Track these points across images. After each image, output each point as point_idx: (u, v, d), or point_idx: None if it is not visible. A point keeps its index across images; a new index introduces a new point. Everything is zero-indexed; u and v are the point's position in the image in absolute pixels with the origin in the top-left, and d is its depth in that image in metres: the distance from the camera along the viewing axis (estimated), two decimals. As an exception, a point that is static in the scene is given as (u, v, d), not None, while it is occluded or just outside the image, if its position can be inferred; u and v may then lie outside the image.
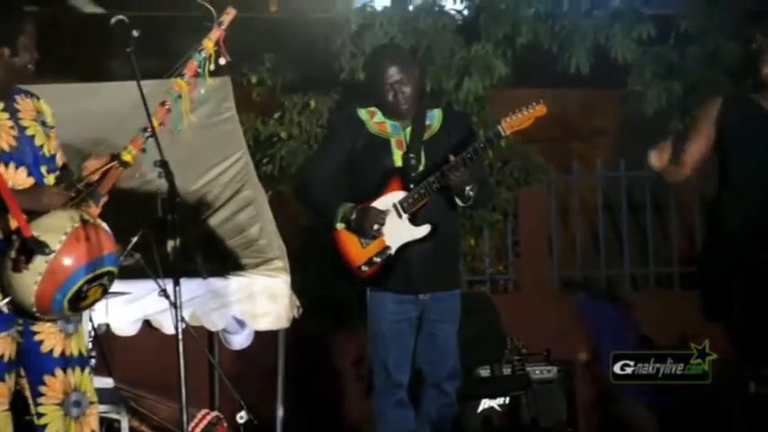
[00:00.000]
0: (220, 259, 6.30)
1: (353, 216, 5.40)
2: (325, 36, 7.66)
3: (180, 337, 4.54)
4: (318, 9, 7.98)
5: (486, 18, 7.63)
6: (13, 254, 4.30)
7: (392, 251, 5.43)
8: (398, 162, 5.47)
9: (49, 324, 4.51)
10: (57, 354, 4.52)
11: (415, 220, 5.42)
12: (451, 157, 5.31)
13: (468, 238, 8.30)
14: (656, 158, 5.23)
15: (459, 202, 5.43)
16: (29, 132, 4.54)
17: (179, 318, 4.54)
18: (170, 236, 4.57)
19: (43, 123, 4.61)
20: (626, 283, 9.02)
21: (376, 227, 5.38)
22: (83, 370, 4.59)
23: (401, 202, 5.41)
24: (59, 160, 4.65)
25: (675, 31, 7.91)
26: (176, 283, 4.55)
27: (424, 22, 7.66)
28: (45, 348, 4.51)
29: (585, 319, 7.95)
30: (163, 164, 4.48)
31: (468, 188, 5.36)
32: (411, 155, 5.45)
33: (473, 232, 8.41)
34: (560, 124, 9.20)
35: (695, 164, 5.14)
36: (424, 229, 5.42)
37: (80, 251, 4.34)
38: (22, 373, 4.52)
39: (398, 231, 5.41)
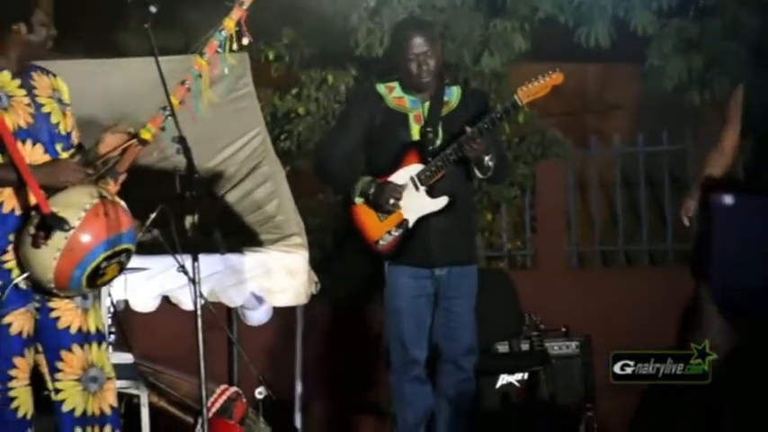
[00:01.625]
0: (238, 235, 6.30)
1: (371, 190, 5.40)
2: (343, 12, 7.63)
3: (198, 312, 4.55)
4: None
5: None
6: (32, 230, 4.31)
7: (410, 224, 5.43)
8: (416, 136, 5.47)
9: (66, 300, 4.52)
10: (74, 330, 4.54)
11: (432, 193, 5.42)
12: (468, 129, 5.31)
13: (485, 214, 8.29)
14: (685, 214, 5.59)
15: (478, 173, 5.42)
16: (45, 110, 4.53)
17: (197, 294, 4.55)
18: (188, 212, 4.57)
19: (59, 101, 4.60)
20: (644, 258, 8.99)
21: (392, 201, 5.38)
22: (99, 345, 4.60)
23: (418, 175, 5.42)
24: (75, 139, 4.65)
25: (695, 4, 7.86)
26: (195, 259, 4.57)
27: (442, -1, 7.63)
28: (62, 325, 4.53)
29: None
30: (181, 140, 4.48)
31: (486, 158, 5.36)
32: (428, 129, 5.45)
33: (490, 208, 8.40)
34: (577, 99, 9.17)
35: (734, 149, 5.45)
36: (442, 201, 5.42)
37: (99, 228, 4.34)
38: (40, 348, 4.54)
39: (416, 204, 5.42)
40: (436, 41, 5.56)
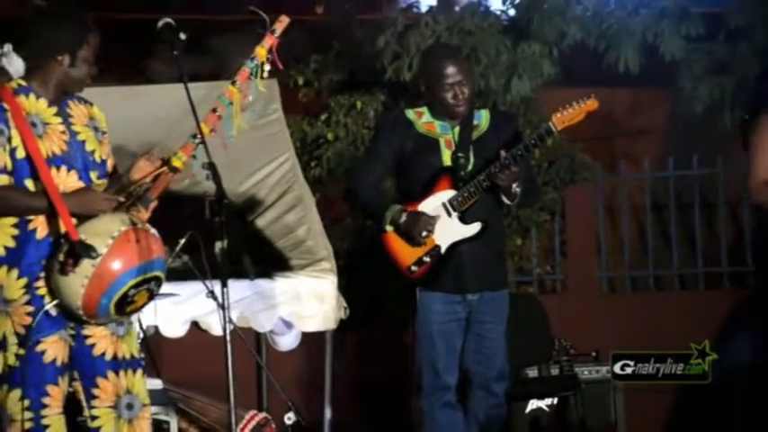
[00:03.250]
0: (268, 261, 6.31)
1: (402, 219, 5.40)
2: (371, 37, 7.66)
3: (228, 338, 4.55)
4: (364, 10, 7.98)
5: (537, 18, 7.59)
6: (61, 257, 4.33)
7: (442, 250, 5.42)
8: (447, 161, 5.46)
9: (100, 327, 4.54)
10: (108, 357, 4.55)
11: (464, 219, 5.41)
12: (502, 153, 5.30)
13: (515, 239, 8.27)
14: None
15: (505, 200, 5.41)
16: (80, 137, 4.57)
17: (227, 319, 4.56)
18: (218, 237, 4.58)
19: (96, 129, 4.65)
20: (675, 283, 8.95)
21: (425, 233, 5.38)
22: (134, 372, 4.61)
23: (450, 201, 5.41)
24: (110, 167, 4.68)
25: (725, 28, 7.84)
26: (224, 285, 4.57)
27: (470, 22, 7.63)
28: (97, 351, 4.54)
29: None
30: (210, 166, 4.50)
31: (515, 185, 5.35)
32: (460, 154, 5.45)
33: (520, 232, 8.38)
34: (607, 123, 9.14)
35: None
36: (475, 227, 5.41)
37: (127, 256, 4.36)
38: (76, 375, 4.55)
39: (448, 230, 5.41)
40: (469, 69, 5.58)
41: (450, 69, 5.44)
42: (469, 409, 5.54)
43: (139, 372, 4.64)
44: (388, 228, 5.43)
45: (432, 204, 5.43)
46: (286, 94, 7.31)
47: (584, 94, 5.45)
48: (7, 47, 4.95)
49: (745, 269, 8.40)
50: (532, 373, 7.09)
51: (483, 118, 5.55)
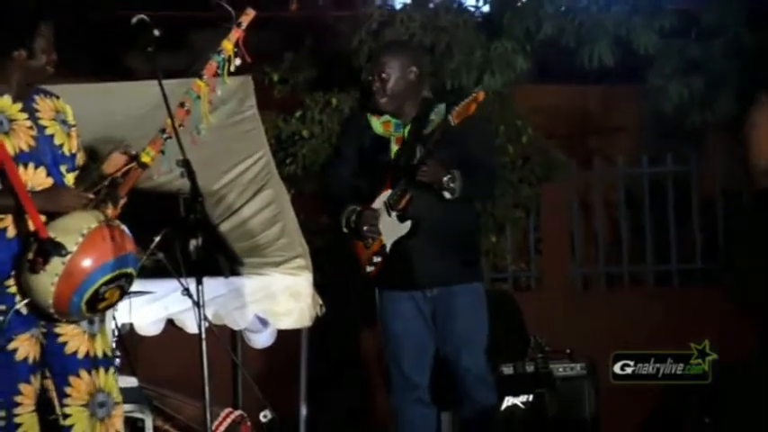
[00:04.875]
0: (243, 258, 6.30)
1: (353, 219, 5.42)
2: (346, 34, 7.65)
3: (203, 336, 4.54)
4: (339, 7, 7.97)
5: (509, 14, 7.60)
6: (30, 255, 4.31)
7: (387, 249, 5.43)
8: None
9: (72, 326, 4.52)
10: (81, 355, 4.54)
11: (402, 217, 5.41)
12: (418, 149, 5.30)
13: (489, 236, 8.27)
14: None
15: (446, 194, 5.38)
16: (48, 132, 4.55)
17: (202, 317, 4.55)
18: (192, 235, 4.56)
19: (63, 122, 4.62)
20: (649, 279, 8.98)
21: (367, 228, 5.38)
22: (107, 370, 4.59)
23: (388, 200, 5.42)
24: (80, 160, 4.66)
25: (697, 25, 7.87)
26: (199, 282, 4.57)
27: (444, 19, 7.63)
28: (69, 350, 4.53)
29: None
30: (185, 163, 4.48)
31: (445, 179, 5.31)
32: (401, 151, 5.44)
33: (495, 229, 8.39)
34: (581, 120, 9.17)
35: None
36: (406, 226, 5.41)
37: (97, 253, 4.34)
38: (47, 374, 4.53)
39: (390, 229, 5.45)
40: (403, 64, 5.49)
41: (375, 61, 5.49)
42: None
43: (111, 370, 4.62)
44: (345, 229, 5.45)
45: (378, 203, 5.45)
46: (261, 91, 7.28)
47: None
48: None
49: (717, 267, 8.46)
50: (507, 370, 7.09)
51: (439, 114, 5.47)
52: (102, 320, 4.67)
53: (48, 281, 4.30)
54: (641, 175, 8.91)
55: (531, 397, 6.94)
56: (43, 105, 4.59)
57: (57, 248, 4.27)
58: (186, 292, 4.95)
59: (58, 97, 4.68)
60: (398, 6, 7.92)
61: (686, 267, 8.90)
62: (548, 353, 7.17)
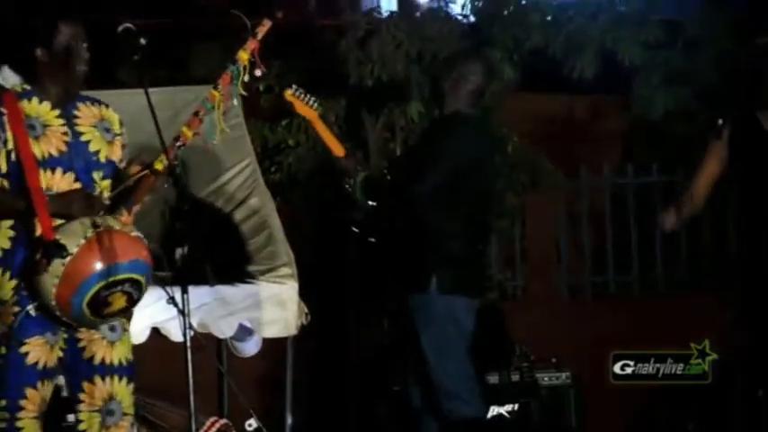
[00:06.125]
0: (228, 267, 6.29)
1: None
2: (332, 42, 7.65)
3: (188, 344, 4.54)
4: (325, 15, 7.97)
5: (495, 23, 7.61)
6: (36, 257, 4.34)
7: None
8: None
9: (92, 332, 4.55)
10: (97, 361, 4.58)
11: None
12: None
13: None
14: (668, 222, 5.58)
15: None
16: (84, 138, 4.58)
17: (187, 325, 4.54)
18: (178, 243, 4.57)
19: (106, 130, 4.65)
20: (635, 288, 8.99)
21: None
22: (121, 379, 4.62)
23: None
24: (120, 166, 4.70)
25: (682, 36, 7.91)
26: (184, 291, 4.56)
27: (430, 28, 7.64)
28: (86, 355, 4.57)
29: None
30: (171, 172, 4.48)
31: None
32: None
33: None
34: (567, 129, 9.18)
35: (703, 197, 5.50)
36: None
37: (94, 257, 4.35)
38: (63, 380, 4.60)
39: None
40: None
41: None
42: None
43: (126, 380, 4.64)
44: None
45: None
46: (247, 100, 7.28)
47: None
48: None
49: (703, 275, 8.48)
50: (493, 379, 7.11)
51: None
52: (126, 329, 4.69)
53: (50, 282, 4.33)
54: (627, 184, 8.93)
55: (516, 406, 6.96)
56: (86, 112, 4.63)
57: (58, 250, 4.30)
58: (171, 300, 4.94)
59: (107, 106, 4.72)
60: (385, 15, 7.94)
61: (672, 277, 8.91)
62: (533, 362, 7.19)
